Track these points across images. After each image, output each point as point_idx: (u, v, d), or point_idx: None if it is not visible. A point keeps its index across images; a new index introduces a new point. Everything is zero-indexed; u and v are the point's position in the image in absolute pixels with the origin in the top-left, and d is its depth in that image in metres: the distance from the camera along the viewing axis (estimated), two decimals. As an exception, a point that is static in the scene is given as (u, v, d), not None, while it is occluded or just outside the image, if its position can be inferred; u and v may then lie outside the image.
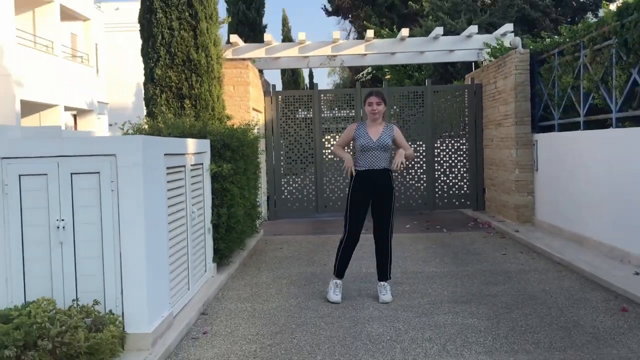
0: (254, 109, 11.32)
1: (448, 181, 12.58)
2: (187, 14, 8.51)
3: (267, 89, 12.67)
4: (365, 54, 12.49)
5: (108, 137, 5.05)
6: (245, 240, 8.47)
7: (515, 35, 11.76)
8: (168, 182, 5.44)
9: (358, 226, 6.16)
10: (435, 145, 12.62)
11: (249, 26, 13.95)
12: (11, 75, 18.94)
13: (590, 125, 8.48)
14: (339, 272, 6.26)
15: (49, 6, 21.90)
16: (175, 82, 8.52)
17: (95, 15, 26.35)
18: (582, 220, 8.40)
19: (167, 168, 5.42)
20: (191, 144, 6.30)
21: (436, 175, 12.58)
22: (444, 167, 12.61)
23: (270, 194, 12.48)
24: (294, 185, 12.61)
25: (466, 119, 12.51)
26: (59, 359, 3.81)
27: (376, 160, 6.09)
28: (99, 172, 4.66)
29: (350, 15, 31.78)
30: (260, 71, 12.46)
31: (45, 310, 3.99)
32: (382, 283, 6.22)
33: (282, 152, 12.59)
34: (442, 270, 7.45)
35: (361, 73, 24.52)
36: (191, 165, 6.32)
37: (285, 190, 12.61)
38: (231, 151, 7.39)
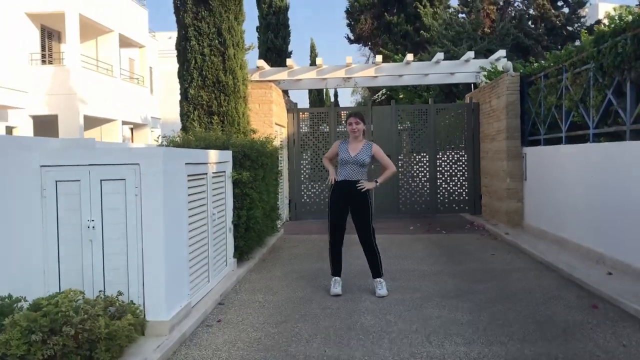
0: (276, 124, 11.27)
1: (449, 188, 12.37)
2: (216, 41, 8.50)
3: (290, 106, 12.61)
4: (375, 76, 12.36)
5: (134, 148, 5.01)
6: (265, 239, 8.39)
7: (509, 60, 11.55)
8: (189, 187, 5.39)
9: (340, 229, 6.13)
10: (438, 156, 12.43)
11: (276, 52, 13.92)
12: (76, 94, 19.20)
13: (572, 140, 8.23)
14: (335, 271, 6.20)
15: (110, 35, 22.16)
16: (206, 100, 8.50)
17: (150, 43, 26.58)
18: (563, 224, 8.16)
19: (189, 175, 5.36)
20: (213, 154, 6.24)
21: (438, 183, 12.38)
22: (445, 175, 12.40)
23: (292, 197, 12.39)
24: (312, 190, 12.51)
25: (465, 133, 12.29)
26: (81, 343, 3.74)
27: (352, 173, 6.08)
28: (124, 179, 4.62)
29: (369, 43, 31.66)
30: (285, 91, 12.41)
31: (71, 300, 3.93)
32: (377, 279, 6.10)
33: (302, 162, 12.51)
34: (436, 269, 7.27)
35: (377, 94, 24.34)
36: (213, 172, 6.26)
37: (305, 195, 12.51)
38: (250, 161, 7.32)
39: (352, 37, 30.44)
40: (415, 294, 5.98)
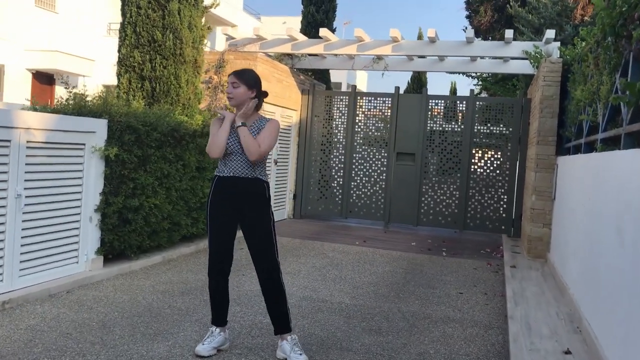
0: (277, 105, 9.58)
1: (483, 201, 9.97)
2: (158, -7, 6.99)
3: (306, 87, 10.83)
4: (410, 58, 10.19)
5: None
6: (175, 237, 6.75)
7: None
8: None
9: (222, 253, 3.84)
10: (473, 161, 10.07)
11: (316, 28, 12.19)
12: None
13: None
14: (216, 317, 3.92)
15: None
16: (139, 62, 7.04)
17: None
18: (566, 261, 5.74)
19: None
20: (33, 116, 4.74)
21: (470, 194, 10.02)
22: (480, 185, 10.01)
23: (297, 192, 10.65)
24: (322, 185, 10.68)
25: (510, 136, 9.82)
26: None
27: (241, 166, 3.76)
28: None
29: (489, 37, 28.72)
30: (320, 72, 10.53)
31: None
32: (288, 337, 3.80)
33: (313, 152, 10.73)
34: (356, 303, 5.27)
35: (474, 84, 20.77)
36: (39, 141, 4.78)
37: (312, 191, 10.73)
38: (136, 136, 5.75)
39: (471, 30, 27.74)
40: (307, 339, 4.10)
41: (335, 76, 13.68)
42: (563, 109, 7.59)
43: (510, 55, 8.97)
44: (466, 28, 18.16)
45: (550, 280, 6.37)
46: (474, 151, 10.03)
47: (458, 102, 10.16)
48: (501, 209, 9.89)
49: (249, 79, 3.80)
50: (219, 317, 3.89)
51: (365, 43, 9.34)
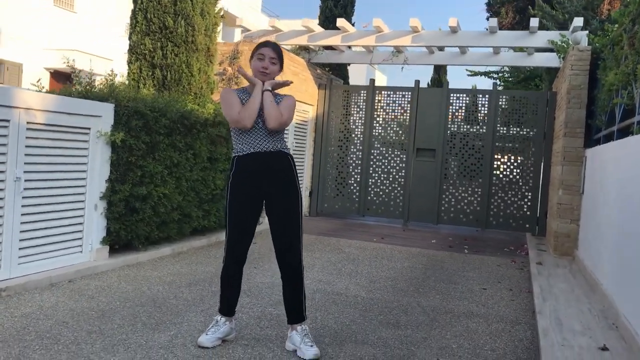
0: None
1: (506, 199, 9.59)
2: (169, -22, 6.77)
3: (323, 82, 10.56)
4: (430, 50, 9.87)
5: None
6: (185, 229, 6.48)
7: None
8: None
9: (243, 240, 3.54)
10: (496, 156, 9.70)
11: (334, 24, 11.91)
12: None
13: None
14: (225, 306, 3.60)
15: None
16: (150, 50, 6.82)
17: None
18: (598, 257, 5.38)
19: None
20: (34, 96, 4.52)
21: (493, 191, 9.64)
22: (503, 182, 9.64)
23: (313, 189, 10.37)
24: (339, 182, 10.38)
25: (534, 130, 9.44)
26: None
27: (265, 141, 3.48)
28: None
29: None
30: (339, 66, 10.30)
31: None
32: (299, 327, 3.50)
33: (330, 148, 10.43)
34: (373, 297, 4.96)
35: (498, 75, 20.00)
36: (39, 122, 4.56)
37: (329, 188, 10.43)
38: (144, 121, 5.51)
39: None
40: (323, 329, 3.81)
41: (353, 79, 13.37)
42: (592, 99, 7.22)
43: (535, 45, 8.58)
44: (488, 18, 17.27)
45: (580, 277, 5.99)
46: (496, 147, 9.65)
47: (480, 96, 9.79)
48: (525, 206, 9.50)
49: (282, 59, 3.61)
50: (228, 307, 3.59)
51: (384, 34, 9.03)
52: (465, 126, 9.82)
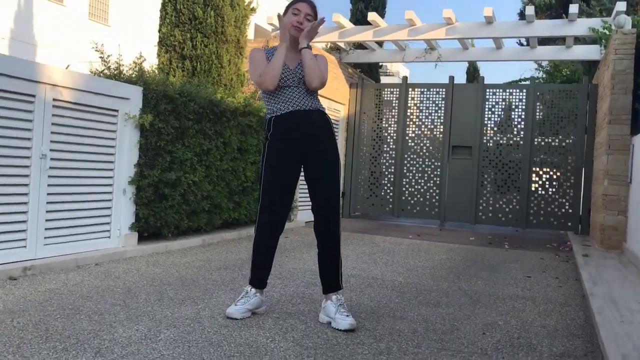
0: (325, 98, 9.15)
1: (547, 196, 9.21)
2: (199, -31, 6.71)
3: (354, 81, 10.39)
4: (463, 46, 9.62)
5: None
6: (215, 221, 6.33)
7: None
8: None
9: (282, 204, 3.33)
10: (535, 152, 9.34)
11: (364, 25, 11.77)
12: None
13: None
14: (256, 278, 3.37)
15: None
16: (180, 41, 6.75)
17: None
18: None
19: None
20: (59, 72, 4.44)
21: (533, 188, 9.28)
22: (544, 179, 9.27)
23: (346, 190, 10.14)
24: (372, 182, 10.14)
25: (575, 125, 9.07)
26: None
27: (301, 98, 3.31)
28: None
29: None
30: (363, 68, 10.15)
31: None
32: (334, 296, 3.27)
33: (363, 148, 10.22)
34: (410, 282, 4.70)
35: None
36: (64, 100, 4.47)
37: (362, 189, 10.19)
38: (173, 105, 5.40)
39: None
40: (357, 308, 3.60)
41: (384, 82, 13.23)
42: (638, 84, 6.88)
43: (575, 33, 8.25)
44: (525, 6, 16.62)
45: (631, 267, 5.63)
46: (536, 142, 9.30)
47: (517, 90, 9.47)
48: (567, 204, 9.10)
49: (317, 18, 3.39)
50: (260, 279, 3.37)
51: (416, 27, 8.84)
52: (501, 123, 9.50)
